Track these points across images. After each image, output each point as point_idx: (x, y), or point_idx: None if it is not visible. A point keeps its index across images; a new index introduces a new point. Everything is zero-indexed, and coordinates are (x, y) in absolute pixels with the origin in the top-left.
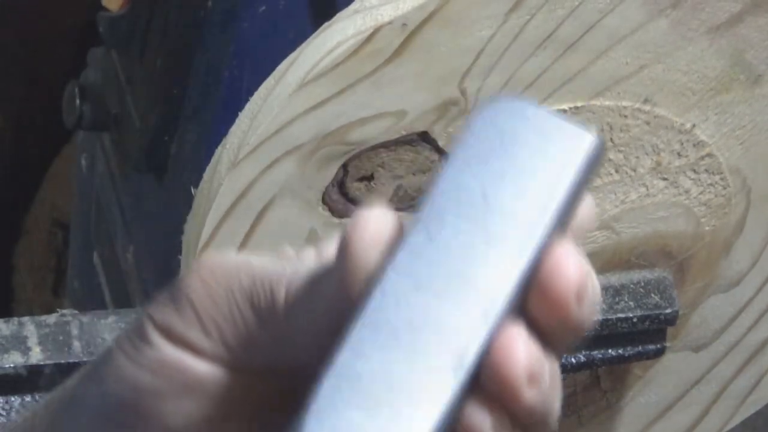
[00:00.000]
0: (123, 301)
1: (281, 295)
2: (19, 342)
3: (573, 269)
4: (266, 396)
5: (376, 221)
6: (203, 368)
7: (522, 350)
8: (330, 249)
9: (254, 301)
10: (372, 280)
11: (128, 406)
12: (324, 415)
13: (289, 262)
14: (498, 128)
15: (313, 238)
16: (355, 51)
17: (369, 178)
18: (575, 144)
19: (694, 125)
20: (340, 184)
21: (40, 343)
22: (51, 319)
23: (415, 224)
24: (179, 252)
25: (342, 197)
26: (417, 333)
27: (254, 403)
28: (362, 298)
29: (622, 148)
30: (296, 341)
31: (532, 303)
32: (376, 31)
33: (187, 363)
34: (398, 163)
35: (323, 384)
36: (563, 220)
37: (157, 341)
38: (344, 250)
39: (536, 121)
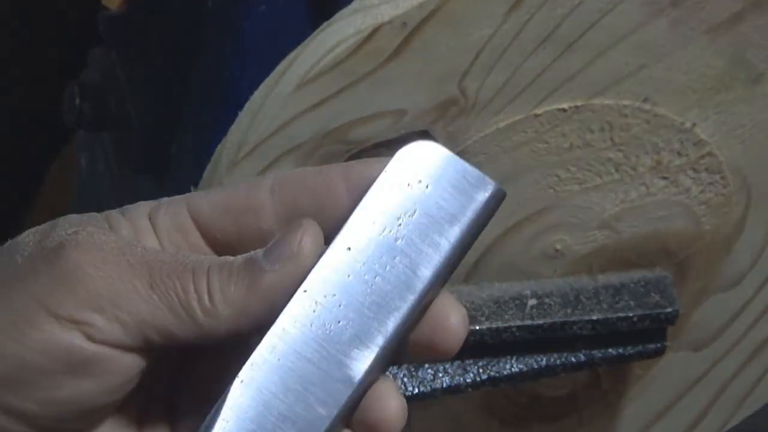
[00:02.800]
0: None
1: (189, 286)
2: None
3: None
4: (166, 365)
5: (315, 232)
6: (93, 348)
7: (394, 405)
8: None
9: (155, 286)
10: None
11: (12, 382)
12: (246, 391)
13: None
14: (415, 170)
15: None
16: (355, 50)
17: None
18: (478, 191)
19: (694, 124)
20: None
21: None
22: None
23: (338, 241)
24: None
25: None
26: (327, 340)
27: (156, 374)
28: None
29: (623, 147)
30: (212, 328)
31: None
32: (376, 30)
33: (77, 344)
34: None
35: (247, 367)
36: (456, 258)
37: (44, 324)
38: (293, 255)
39: (448, 168)
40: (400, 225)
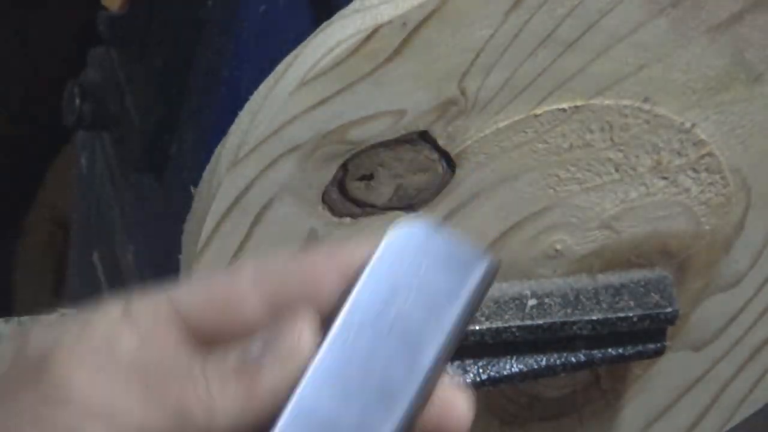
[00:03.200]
0: None
1: (187, 391)
2: None
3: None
4: None
5: (311, 323)
6: None
7: None
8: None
9: (152, 389)
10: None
11: None
12: None
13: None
14: (407, 250)
15: (312, 238)
16: (355, 50)
17: (369, 177)
18: (473, 267)
19: (694, 124)
20: (339, 183)
21: None
22: (51, 318)
23: (337, 329)
24: (179, 252)
25: (342, 196)
26: None
27: None
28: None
29: (622, 147)
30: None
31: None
32: (376, 30)
33: None
34: (398, 163)
35: None
36: (458, 337)
37: None
38: (293, 351)
39: (440, 246)
40: (397, 309)
